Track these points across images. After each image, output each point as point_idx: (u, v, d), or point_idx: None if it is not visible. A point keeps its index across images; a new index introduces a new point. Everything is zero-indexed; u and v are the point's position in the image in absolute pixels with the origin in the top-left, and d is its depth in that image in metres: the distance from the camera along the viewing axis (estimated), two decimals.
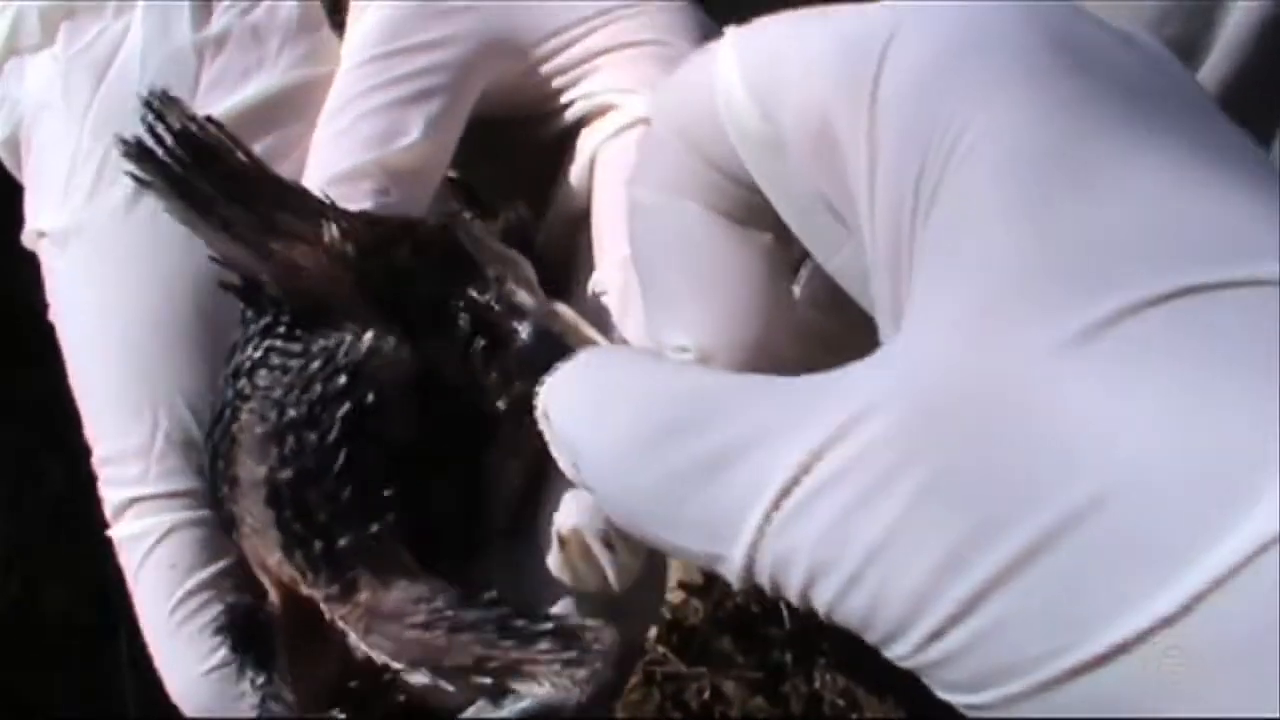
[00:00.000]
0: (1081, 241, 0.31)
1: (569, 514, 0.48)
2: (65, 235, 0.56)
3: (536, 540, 0.51)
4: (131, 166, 0.47)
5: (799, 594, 0.33)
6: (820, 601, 0.33)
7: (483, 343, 0.49)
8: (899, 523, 0.31)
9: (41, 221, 0.57)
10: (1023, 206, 0.31)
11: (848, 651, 1.09)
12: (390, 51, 0.56)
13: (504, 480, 0.51)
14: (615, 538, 0.48)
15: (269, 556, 0.49)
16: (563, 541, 0.48)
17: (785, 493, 0.32)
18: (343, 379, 0.48)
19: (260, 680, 0.49)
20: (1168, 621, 0.28)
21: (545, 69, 0.58)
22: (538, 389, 0.41)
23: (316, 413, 0.48)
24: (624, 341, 0.51)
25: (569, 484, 0.48)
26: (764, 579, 0.34)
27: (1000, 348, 0.30)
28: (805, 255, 0.41)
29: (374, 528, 0.47)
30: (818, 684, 1.08)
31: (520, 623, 0.47)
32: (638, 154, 0.42)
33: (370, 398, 0.48)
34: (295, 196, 0.49)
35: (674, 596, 1.10)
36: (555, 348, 0.47)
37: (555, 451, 0.40)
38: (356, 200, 0.52)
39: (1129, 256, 0.30)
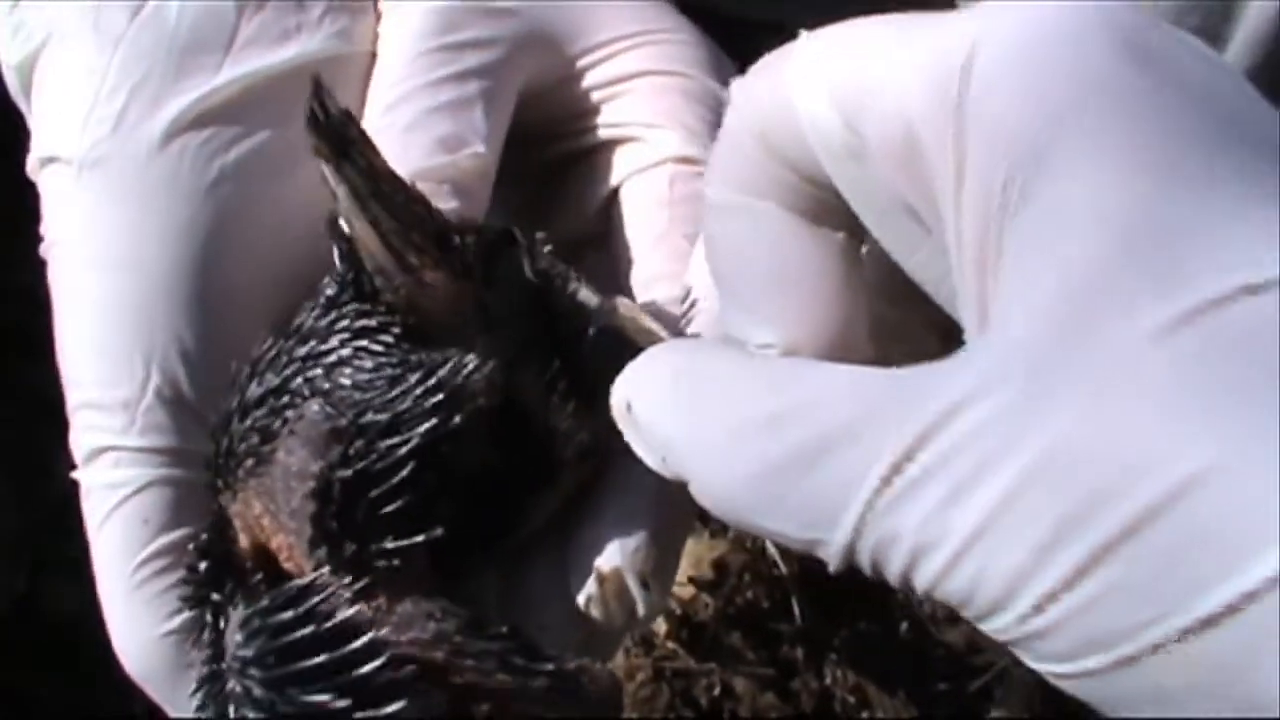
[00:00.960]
0: (1163, 241, 0.32)
1: (613, 555, 0.49)
2: (84, 165, 0.54)
3: (551, 571, 0.51)
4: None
5: (900, 575, 0.35)
6: (921, 581, 0.34)
7: (564, 378, 0.49)
8: (1002, 504, 0.32)
9: (55, 147, 0.55)
10: (1109, 208, 0.33)
11: (859, 648, 1.09)
12: (444, 46, 0.55)
13: (540, 514, 0.52)
14: (651, 578, 0.49)
15: (278, 538, 0.49)
16: (602, 579, 0.49)
17: (889, 478, 0.34)
18: (436, 398, 0.47)
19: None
20: (1274, 582, 0.29)
21: (576, 86, 0.58)
22: (612, 386, 0.42)
23: (398, 424, 0.47)
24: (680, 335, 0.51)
25: (605, 523, 0.50)
26: (864, 561, 0.35)
27: (1090, 338, 0.32)
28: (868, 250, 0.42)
29: (410, 542, 0.47)
30: (828, 681, 1.08)
31: (520, 660, 0.47)
32: (714, 155, 0.43)
33: (455, 421, 0.47)
34: (423, 206, 0.49)
35: (684, 592, 1.10)
36: (623, 344, 0.48)
37: (639, 445, 0.41)
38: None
39: (1204, 255, 0.32)
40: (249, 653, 0.47)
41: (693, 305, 0.53)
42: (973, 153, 0.35)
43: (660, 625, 1.09)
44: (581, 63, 0.58)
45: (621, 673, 1.07)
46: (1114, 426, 0.31)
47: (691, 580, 1.10)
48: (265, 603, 0.48)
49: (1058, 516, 0.32)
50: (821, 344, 0.41)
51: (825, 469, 0.35)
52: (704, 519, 1.13)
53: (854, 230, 0.42)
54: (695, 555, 1.10)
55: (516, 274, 0.50)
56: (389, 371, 0.48)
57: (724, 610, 1.09)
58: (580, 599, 0.50)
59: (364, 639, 0.46)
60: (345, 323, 0.49)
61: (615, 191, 0.58)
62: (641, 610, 0.49)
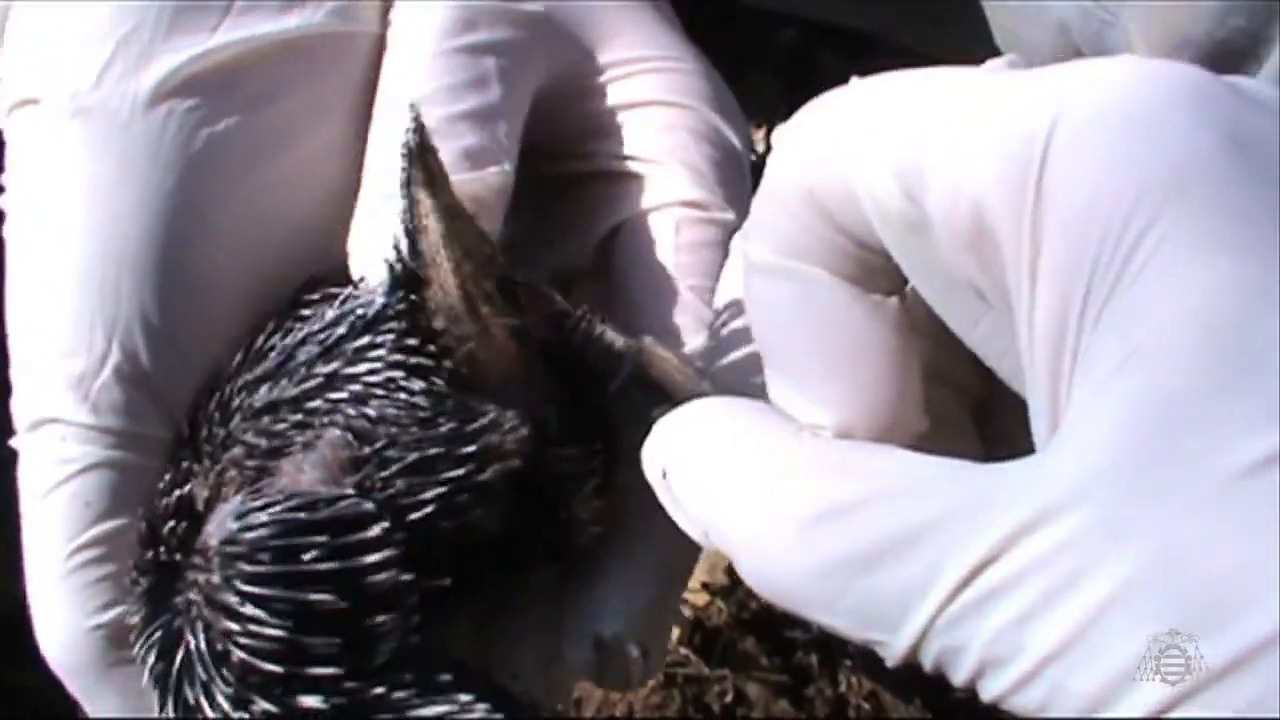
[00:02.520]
0: (1260, 363, 0.31)
1: (615, 622, 0.48)
2: (61, 115, 0.50)
3: (533, 622, 0.50)
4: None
5: (965, 682, 0.34)
6: (990, 693, 0.34)
7: (599, 461, 0.48)
8: (1081, 627, 0.32)
9: (31, 90, 0.51)
10: (1201, 327, 0.32)
11: (875, 655, 1.08)
12: (464, 47, 0.53)
13: (538, 580, 0.51)
14: (650, 646, 0.48)
15: None
16: (601, 646, 0.48)
17: (959, 590, 0.33)
18: (469, 448, 0.46)
19: None
20: None
21: (584, 104, 0.57)
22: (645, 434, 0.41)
23: (423, 466, 0.46)
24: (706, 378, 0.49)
25: (608, 587, 0.49)
26: (926, 664, 0.35)
27: (1180, 465, 0.31)
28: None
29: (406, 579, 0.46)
30: (843, 687, 1.07)
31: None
32: (757, 212, 0.41)
33: (482, 476, 0.46)
34: (491, 250, 0.47)
35: (697, 598, 1.08)
36: (651, 390, 0.47)
37: (676, 514, 0.40)
38: None
39: None
40: (238, 548, 0.45)
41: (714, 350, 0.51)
42: (1050, 249, 0.34)
43: (673, 631, 1.08)
44: (591, 80, 0.57)
45: None
46: (1207, 557, 0.30)
47: (705, 586, 1.09)
48: (269, 498, 0.46)
49: (1144, 645, 0.31)
50: (877, 424, 0.39)
51: (889, 571, 0.34)
52: None
53: (903, 290, 0.40)
54: (709, 561, 1.09)
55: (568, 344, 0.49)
56: (421, 413, 0.46)
57: (737, 616, 1.08)
58: (575, 663, 0.49)
59: (373, 530, 0.45)
60: (383, 351, 0.47)
61: (617, 228, 0.56)
62: (635, 679, 0.49)
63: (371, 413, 0.46)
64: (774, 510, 0.36)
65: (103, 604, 0.49)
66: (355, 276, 0.50)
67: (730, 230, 0.55)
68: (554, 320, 0.49)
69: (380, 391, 0.47)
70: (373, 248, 0.49)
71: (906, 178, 0.36)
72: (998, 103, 0.35)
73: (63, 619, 0.49)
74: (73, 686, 0.50)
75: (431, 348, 0.47)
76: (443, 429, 0.46)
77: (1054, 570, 0.32)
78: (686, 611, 1.08)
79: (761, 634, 1.08)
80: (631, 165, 0.56)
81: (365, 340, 0.47)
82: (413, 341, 0.47)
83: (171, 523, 0.48)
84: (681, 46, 0.59)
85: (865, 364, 0.39)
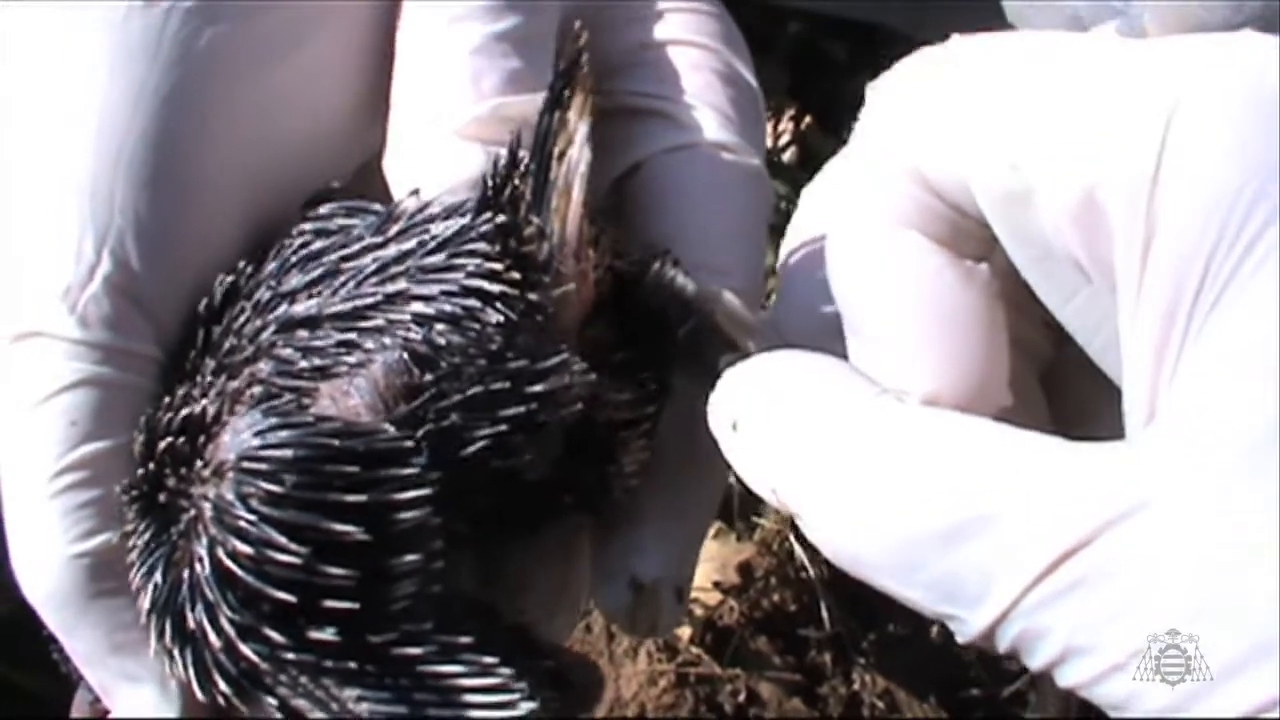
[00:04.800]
0: None
1: (654, 564, 0.47)
2: (57, 4, 0.47)
3: (543, 560, 0.48)
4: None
5: (1043, 667, 0.33)
6: (1069, 680, 0.33)
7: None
8: (1176, 625, 0.31)
9: None
10: None
11: (888, 652, 1.07)
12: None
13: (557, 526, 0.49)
14: (684, 590, 0.47)
15: None
16: (639, 588, 0.47)
17: (1047, 573, 0.32)
18: (535, 388, 0.43)
19: None
20: None
21: (603, 37, 0.54)
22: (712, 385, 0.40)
23: (480, 400, 0.43)
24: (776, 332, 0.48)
25: (646, 528, 0.47)
26: (1001, 645, 0.34)
27: None
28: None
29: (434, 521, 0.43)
30: (857, 686, 1.06)
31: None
32: (842, 173, 0.40)
33: (542, 418, 0.44)
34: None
35: (709, 597, 1.07)
36: (719, 340, 0.45)
37: (743, 469, 0.39)
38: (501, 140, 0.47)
39: None
40: (256, 464, 0.42)
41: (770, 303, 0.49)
42: (1165, 234, 0.33)
43: (684, 630, 1.07)
44: (611, 15, 0.54)
45: (644, 679, 1.05)
46: None
47: (716, 585, 1.08)
48: (296, 418, 0.43)
49: (1235, 651, 0.30)
50: (964, 393, 0.38)
51: (973, 547, 0.33)
52: (728, 519, 1.11)
53: (994, 257, 0.39)
54: (721, 559, 1.08)
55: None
56: (492, 345, 0.43)
57: (750, 614, 1.07)
58: (609, 605, 0.47)
59: (409, 468, 0.42)
60: (459, 275, 0.44)
61: (636, 166, 0.54)
62: (665, 623, 0.47)
63: (439, 339, 0.43)
64: (854, 475, 0.35)
65: (87, 530, 0.46)
66: (400, 196, 0.48)
67: (755, 176, 0.54)
68: (627, 260, 0.47)
69: (450, 317, 0.44)
70: (423, 170, 0.47)
71: (1013, 145, 0.36)
72: (1115, 77, 0.35)
73: (44, 545, 0.46)
74: (50, 618, 0.46)
75: (516, 276, 0.44)
76: (510, 365, 0.43)
77: (1150, 564, 0.31)
78: (698, 610, 1.07)
79: (774, 632, 1.07)
80: (654, 103, 0.54)
81: (438, 259, 0.44)
82: (497, 267, 0.44)
83: (171, 438, 0.44)
84: None
85: (957, 330, 0.38)
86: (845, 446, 0.36)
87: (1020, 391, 0.40)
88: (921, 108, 0.38)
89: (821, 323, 0.43)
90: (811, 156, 1.12)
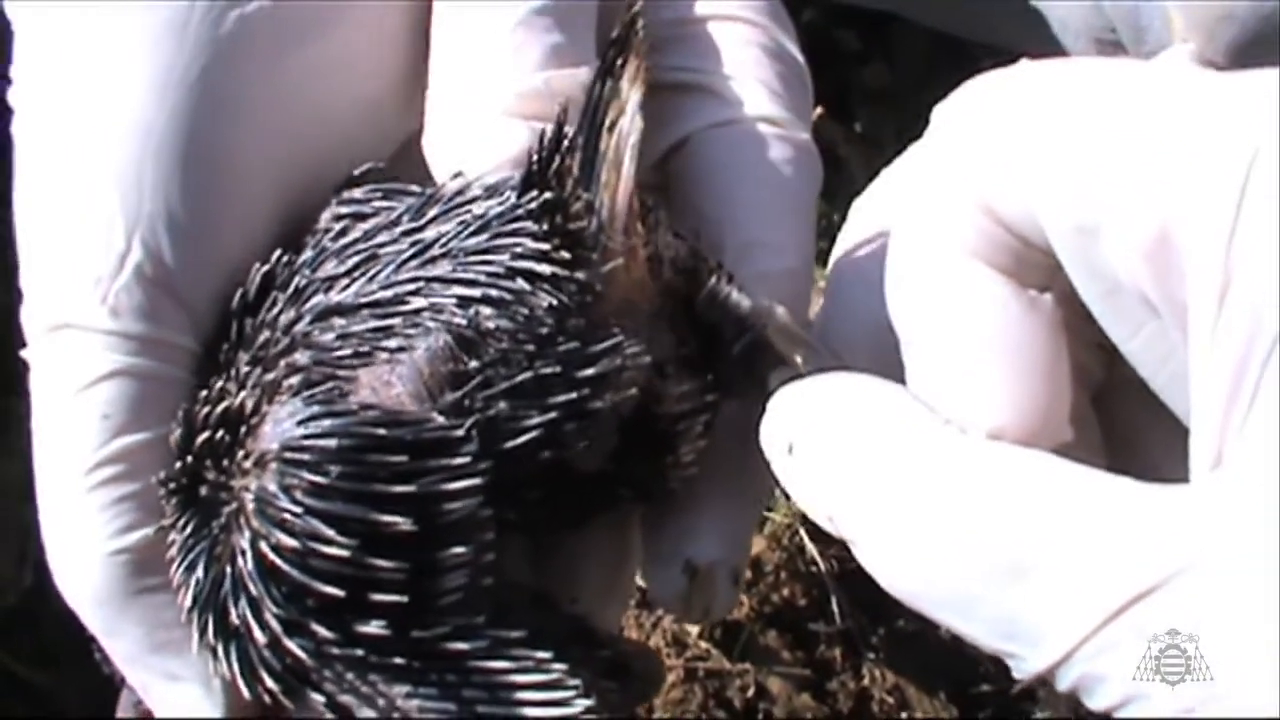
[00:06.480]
0: None
1: (710, 547, 0.46)
2: None
3: (599, 547, 0.48)
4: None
5: (1104, 709, 0.32)
6: None
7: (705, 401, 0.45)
8: (1241, 675, 0.30)
9: None
10: None
11: (898, 648, 1.06)
12: None
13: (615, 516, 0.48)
14: (741, 574, 0.47)
15: None
16: (695, 572, 0.46)
17: (1113, 617, 0.32)
18: (586, 371, 0.42)
19: None
20: None
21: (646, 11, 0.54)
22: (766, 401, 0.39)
23: (529, 387, 0.42)
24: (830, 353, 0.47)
25: (704, 512, 0.47)
26: (1061, 685, 0.33)
27: None
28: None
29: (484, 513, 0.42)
30: (866, 681, 1.05)
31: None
32: (907, 195, 0.39)
33: (594, 405, 0.42)
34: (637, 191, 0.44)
35: None
36: (772, 358, 0.44)
37: (800, 495, 0.38)
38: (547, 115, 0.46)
39: None
40: (300, 454, 0.40)
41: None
42: (1243, 278, 0.32)
43: (692, 625, 1.06)
44: None
45: None
46: None
47: None
48: (339, 406, 0.42)
49: None
50: (1029, 427, 0.37)
51: (1037, 586, 0.33)
52: None
53: (1058, 286, 0.38)
54: None
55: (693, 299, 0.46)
56: (541, 329, 0.42)
57: (759, 609, 1.06)
58: (663, 589, 0.47)
59: (459, 458, 0.41)
60: (505, 257, 0.42)
61: (683, 140, 0.53)
62: (720, 606, 0.47)
63: (486, 324, 0.42)
64: (916, 508, 0.35)
65: (125, 525, 0.45)
66: (441, 177, 0.47)
67: (805, 150, 0.53)
68: (681, 268, 0.46)
69: (496, 300, 0.42)
70: (466, 149, 0.46)
71: (1084, 183, 0.35)
72: (1191, 114, 0.34)
73: (81, 542, 0.45)
74: (89, 618, 0.46)
75: (566, 255, 0.43)
76: (561, 348, 0.42)
77: (1216, 615, 0.30)
78: None
79: (783, 627, 1.06)
80: (699, 78, 0.53)
81: (481, 240, 0.43)
82: (545, 247, 0.43)
83: (210, 432, 0.43)
84: None
85: (1023, 363, 0.38)
86: (908, 478, 0.35)
87: (1076, 418, 0.40)
88: (989, 136, 0.37)
89: (871, 335, 0.43)
90: (823, 145, 1.11)
